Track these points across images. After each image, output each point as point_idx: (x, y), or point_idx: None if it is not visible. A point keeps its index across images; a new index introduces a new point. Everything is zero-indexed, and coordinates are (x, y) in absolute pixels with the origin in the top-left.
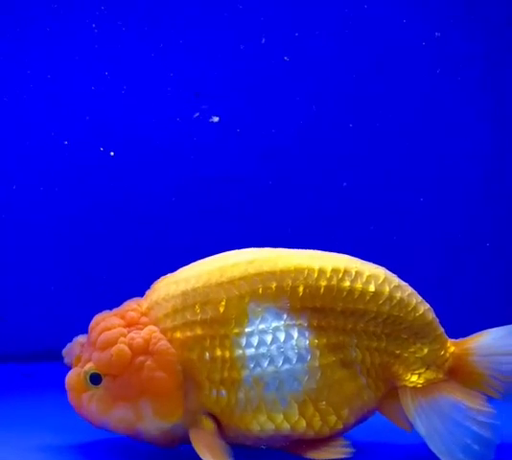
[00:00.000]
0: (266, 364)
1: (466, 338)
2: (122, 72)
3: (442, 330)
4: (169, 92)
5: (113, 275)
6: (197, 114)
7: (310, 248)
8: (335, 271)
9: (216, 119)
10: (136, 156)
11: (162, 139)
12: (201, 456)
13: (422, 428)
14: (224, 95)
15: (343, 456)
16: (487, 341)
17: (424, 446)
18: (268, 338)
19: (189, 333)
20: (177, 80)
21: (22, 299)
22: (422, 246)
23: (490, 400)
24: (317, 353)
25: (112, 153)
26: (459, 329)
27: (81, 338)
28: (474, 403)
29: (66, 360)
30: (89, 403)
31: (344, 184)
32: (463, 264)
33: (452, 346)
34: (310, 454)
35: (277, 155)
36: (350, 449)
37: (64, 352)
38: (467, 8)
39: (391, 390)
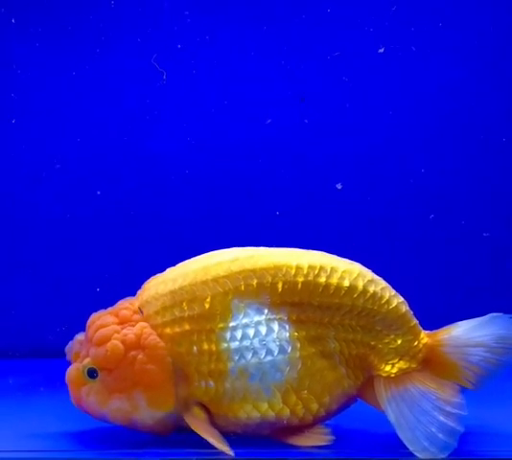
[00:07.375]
0: (249, 356)
1: (439, 330)
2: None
3: (415, 321)
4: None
5: (112, 277)
6: (269, 120)
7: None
8: (311, 268)
9: (339, 186)
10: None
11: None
12: (205, 438)
13: (392, 416)
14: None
15: (324, 443)
16: (457, 333)
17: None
18: (251, 332)
19: (178, 329)
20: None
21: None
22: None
23: (465, 390)
24: (298, 345)
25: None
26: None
27: (79, 336)
28: (444, 393)
29: (68, 357)
30: (88, 397)
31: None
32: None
33: (425, 337)
34: (293, 441)
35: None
36: (331, 437)
37: (67, 349)
38: None
39: (370, 378)
